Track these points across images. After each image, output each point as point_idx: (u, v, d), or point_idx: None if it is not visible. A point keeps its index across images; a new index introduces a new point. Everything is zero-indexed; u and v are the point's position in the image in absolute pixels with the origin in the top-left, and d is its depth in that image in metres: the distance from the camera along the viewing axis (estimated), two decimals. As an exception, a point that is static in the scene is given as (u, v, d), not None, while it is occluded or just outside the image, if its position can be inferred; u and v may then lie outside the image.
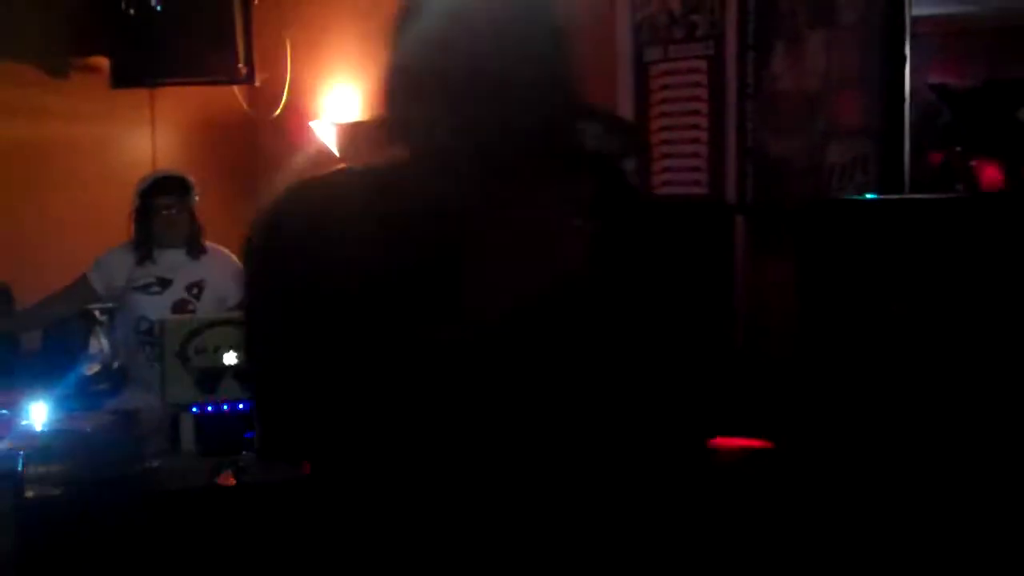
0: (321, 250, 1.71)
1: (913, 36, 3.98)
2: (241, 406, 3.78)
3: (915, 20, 3.99)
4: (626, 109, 4.75)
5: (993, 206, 3.44)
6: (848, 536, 3.28)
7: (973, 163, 3.90)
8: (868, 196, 3.91)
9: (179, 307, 4.47)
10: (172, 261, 4.54)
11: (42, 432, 3.87)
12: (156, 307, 4.42)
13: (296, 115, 6.28)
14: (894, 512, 3.20)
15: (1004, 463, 3.07)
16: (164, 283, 4.51)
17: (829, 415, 3.41)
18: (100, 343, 5.10)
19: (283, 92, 6.27)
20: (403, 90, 1.81)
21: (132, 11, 5.78)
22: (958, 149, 3.98)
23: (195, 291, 4.53)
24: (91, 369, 4.99)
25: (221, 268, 4.62)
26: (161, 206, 4.50)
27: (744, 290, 4.11)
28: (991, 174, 3.92)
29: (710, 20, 4.48)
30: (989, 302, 3.19)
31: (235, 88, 6.28)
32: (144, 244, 4.53)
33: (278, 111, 6.31)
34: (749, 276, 4.16)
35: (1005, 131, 3.89)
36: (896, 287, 3.38)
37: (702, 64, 4.52)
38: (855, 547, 3.26)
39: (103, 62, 5.88)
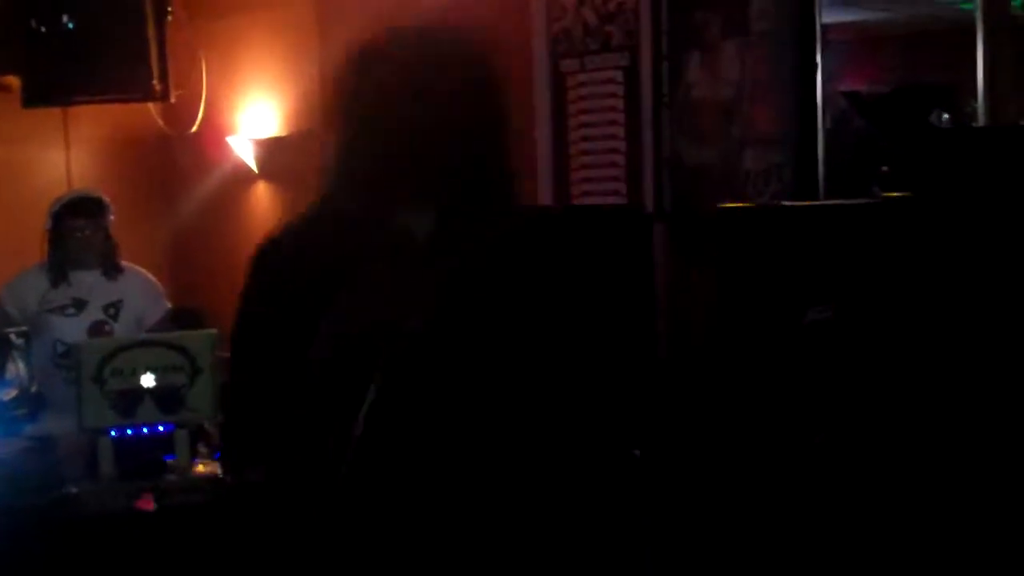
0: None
1: (824, 43, 4.03)
2: (161, 428, 3.73)
3: (826, 27, 4.04)
4: (543, 119, 4.76)
5: (903, 210, 3.48)
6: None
7: (884, 168, 3.94)
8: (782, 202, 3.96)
9: (96, 329, 4.41)
10: (88, 282, 4.48)
11: (-42, 459, 3.80)
12: (72, 329, 4.35)
13: (212, 131, 6.22)
14: (819, 514, 3.22)
15: (927, 462, 3.11)
16: (80, 304, 4.45)
17: (749, 418, 3.44)
18: (17, 368, 5.01)
19: (199, 108, 6.21)
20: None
21: (43, 28, 5.71)
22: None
23: (112, 311, 4.46)
24: (8, 395, 4.90)
25: (138, 287, 4.57)
26: (75, 227, 4.43)
27: (665, 296, 4.13)
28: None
29: (625, 31, 4.51)
30: (906, 304, 3.23)
31: (150, 105, 6.21)
32: (59, 265, 4.46)
33: (194, 127, 6.25)
34: (669, 282, 4.18)
35: (917, 135, 3.94)
36: (813, 291, 3.41)
37: (618, 75, 4.55)
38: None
39: (14, 81, 5.79)
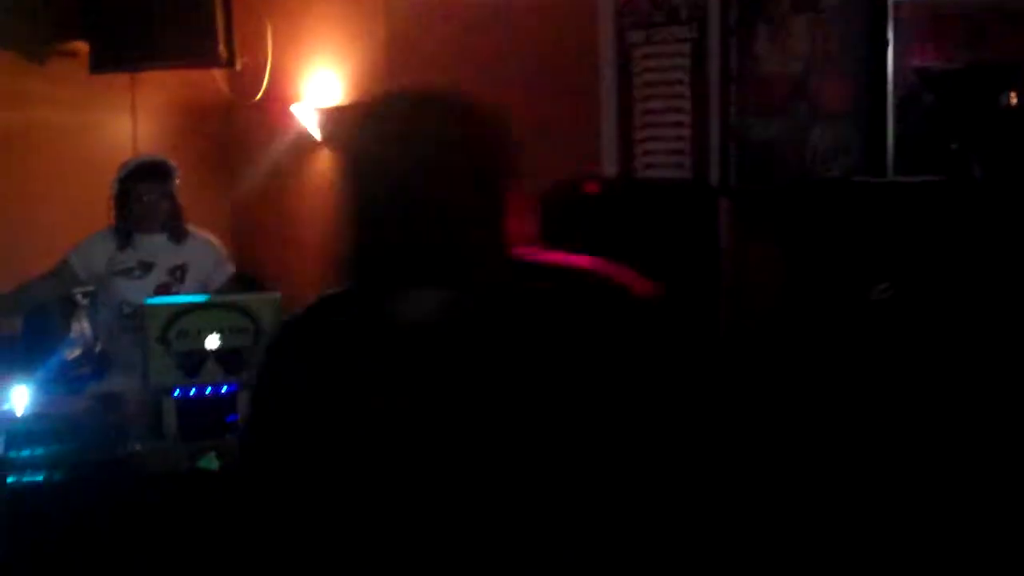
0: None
1: (896, 19, 3.99)
2: (224, 389, 3.77)
3: (898, 3, 4.00)
4: (609, 92, 4.74)
5: (975, 190, 3.45)
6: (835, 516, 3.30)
7: (954, 146, 3.90)
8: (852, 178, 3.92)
9: (162, 291, 4.45)
10: (154, 245, 4.52)
11: (24, 417, 3.85)
12: (138, 291, 4.40)
13: (277, 99, 6.25)
14: (881, 491, 3.21)
15: (989, 444, 3.09)
16: (146, 267, 4.49)
17: (813, 396, 3.42)
18: (82, 327, 5.08)
19: (264, 76, 6.24)
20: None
21: (111, -5, 5.76)
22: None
23: (178, 275, 4.51)
24: (72, 353, 4.97)
25: (203, 252, 4.61)
26: (142, 191, 4.47)
27: (729, 272, 4.11)
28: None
29: (692, 3, 4.48)
30: (971, 284, 3.20)
31: (216, 72, 6.26)
32: (125, 229, 4.50)
33: (259, 95, 6.29)
34: (734, 258, 4.16)
35: (986, 116, 3.90)
36: (879, 268, 3.39)
37: (684, 47, 4.52)
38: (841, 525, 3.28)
39: (83, 47, 5.85)
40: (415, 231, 1.78)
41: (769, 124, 4.24)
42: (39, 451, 3.63)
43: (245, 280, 4.97)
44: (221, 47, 5.88)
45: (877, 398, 3.26)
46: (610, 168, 4.72)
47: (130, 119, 6.32)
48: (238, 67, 6.04)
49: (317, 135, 6.06)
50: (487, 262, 1.81)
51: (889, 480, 3.20)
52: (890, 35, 3.98)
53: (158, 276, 4.48)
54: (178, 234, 4.56)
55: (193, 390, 3.75)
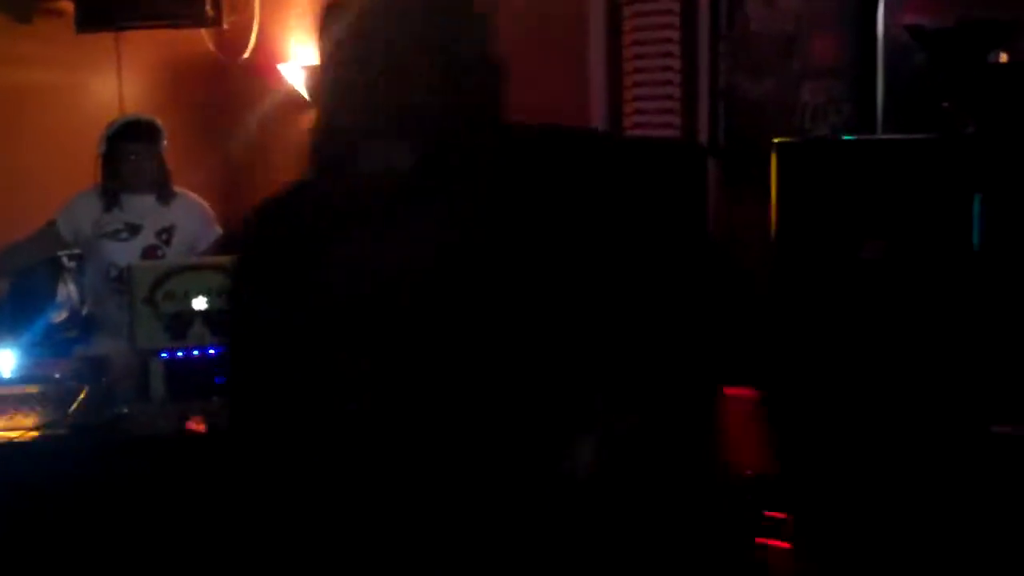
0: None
1: (887, -24, 3.97)
2: (211, 351, 3.75)
3: (889, -40, 3.97)
4: (598, 51, 4.71)
5: (965, 146, 3.43)
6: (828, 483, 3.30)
7: (945, 103, 3.89)
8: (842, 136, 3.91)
9: (149, 253, 4.42)
10: (141, 207, 4.49)
11: (11, 379, 3.84)
12: (125, 253, 4.37)
13: (264, 58, 6.21)
14: (870, 454, 3.21)
15: (981, 402, 3.09)
16: (133, 229, 4.46)
17: (804, 357, 3.41)
18: (68, 290, 5.07)
19: (251, 35, 6.19)
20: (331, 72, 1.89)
21: (97, -47, 5.70)
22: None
23: (165, 236, 4.48)
24: (59, 316, 4.96)
25: (191, 213, 4.58)
26: (129, 151, 4.44)
27: (717, 231, 4.09)
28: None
29: (683, -39, 4.45)
30: (961, 241, 3.19)
31: (203, 31, 6.20)
32: (112, 190, 4.47)
33: (246, 54, 6.24)
34: (723, 217, 4.15)
35: (977, 73, 3.88)
36: (869, 227, 3.38)
37: (675, 6, 4.49)
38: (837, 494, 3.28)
39: (68, 6, 5.80)
40: (380, 91, 1.76)
41: (759, 83, 4.22)
42: (26, 414, 3.62)
43: (234, 240, 4.94)
44: (208, 6, 5.83)
45: (869, 357, 3.25)
46: (600, 126, 4.70)
47: (116, 79, 6.27)
48: (225, 26, 5.99)
49: (305, 94, 6.02)
50: (464, 123, 1.77)
51: (880, 441, 3.20)
52: (881, -9, 3.96)
53: (145, 238, 4.45)
54: (166, 195, 4.53)
55: (180, 352, 3.74)
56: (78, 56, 6.04)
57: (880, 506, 3.22)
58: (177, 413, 3.58)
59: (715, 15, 4.34)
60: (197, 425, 3.50)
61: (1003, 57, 3.88)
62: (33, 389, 3.76)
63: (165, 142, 4.52)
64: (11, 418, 3.57)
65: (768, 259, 3.66)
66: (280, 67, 6.08)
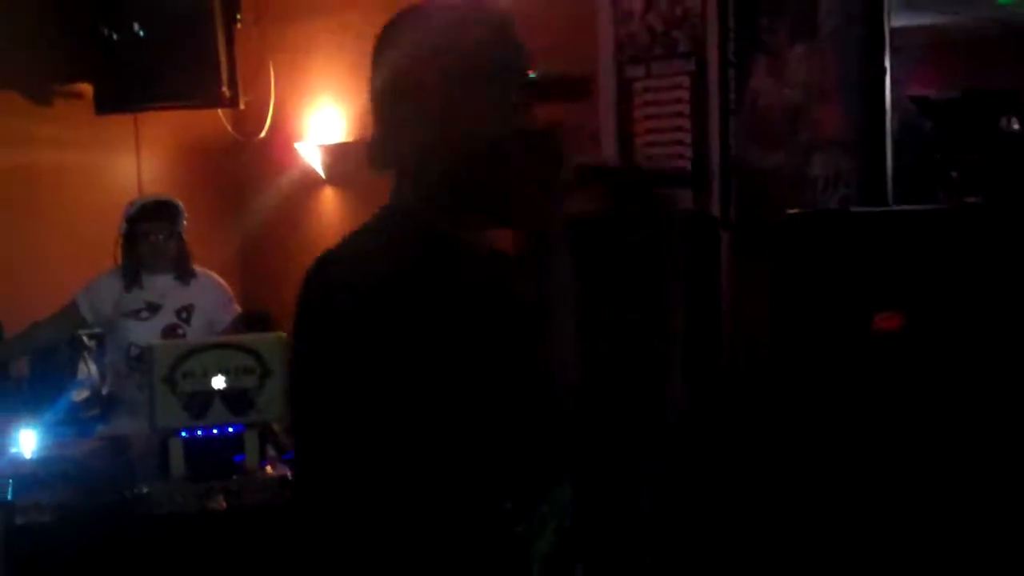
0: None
1: (893, 48, 4.01)
2: (231, 430, 3.78)
3: (894, 31, 4.02)
4: (609, 125, 4.77)
5: (974, 217, 3.46)
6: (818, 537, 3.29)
7: (954, 174, 3.92)
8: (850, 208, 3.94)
9: (169, 332, 4.47)
10: (161, 286, 4.54)
11: (32, 459, 3.87)
12: (146, 332, 4.41)
13: (281, 137, 6.29)
14: (884, 526, 3.21)
15: (984, 469, 3.08)
16: (153, 308, 4.50)
17: (812, 427, 3.42)
18: (88, 369, 5.11)
19: (268, 114, 6.28)
20: (381, 111, 1.86)
21: (115, 36, 5.80)
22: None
23: (185, 315, 4.52)
24: (80, 395, 5.00)
25: (210, 292, 4.63)
26: (149, 232, 4.49)
27: (729, 305, 4.12)
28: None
29: (691, 37, 4.51)
30: (974, 312, 3.20)
31: (220, 111, 6.29)
32: (132, 270, 4.52)
33: (263, 133, 6.32)
34: (734, 288, 4.18)
35: (986, 141, 3.92)
36: (880, 299, 3.40)
37: (684, 80, 4.54)
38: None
39: (87, 88, 5.89)
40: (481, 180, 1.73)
41: (769, 155, 4.26)
42: (47, 494, 3.65)
43: (254, 317, 4.98)
44: (224, 86, 5.91)
45: (879, 430, 3.26)
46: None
47: (135, 159, 6.35)
48: (241, 106, 6.07)
49: (321, 172, 6.09)
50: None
51: (893, 515, 3.19)
52: (887, 63, 4.00)
53: (165, 317, 4.50)
54: (185, 274, 4.58)
55: (200, 431, 3.77)
56: (97, 137, 6.12)
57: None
58: (197, 492, 3.61)
59: (724, 89, 4.39)
60: (217, 503, 3.53)
61: (1012, 124, 3.92)
62: (54, 468, 3.79)
63: (185, 222, 4.58)
64: (33, 498, 3.60)
65: (780, 330, 3.68)
66: (296, 146, 6.16)
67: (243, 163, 6.55)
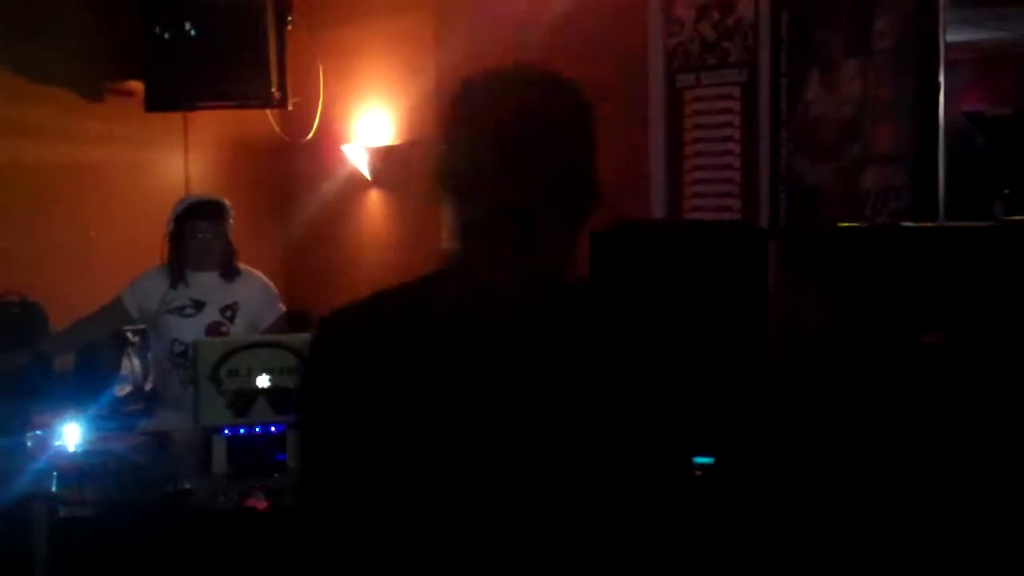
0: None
1: (947, 63, 3.98)
2: (273, 429, 3.79)
3: (949, 47, 3.99)
4: (658, 134, 4.76)
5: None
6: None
7: (1007, 190, 3.89)
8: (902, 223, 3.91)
9: (213, 329, 4.48)
10: (206, 284, 4.55)
11: (75, 453, 3.89)
12: (190, 329, 4.43)
13: (328, 139, 6.31)
14: (930, 541, 3.18)
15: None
16: (198, 305, 4.52)
17: (860, 442, 3.39)
18: (132, 364, 5.14)
19: (316, 116, 6.30)
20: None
21: (166, 35, 5.83)
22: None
23: (229, 314, 4.54)
24: (123, 390, 5.03)
25: (255, 291, 4.64)
26: (197, 229, 4.52)
27: (776, 315, 4.09)
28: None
29: (743, 47, 4.50)
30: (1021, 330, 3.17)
31: (268, 112, 6.31)
32: (178, 267, 4.54)
33: (311, 135, 6.34)
34: (781, 301, 4.15)
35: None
36: (929, 315, 3.37)
37: (735, 91, 4.53)
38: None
39: (138, 86, 5.92)
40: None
41: (819, 167, 4.24)
42: (90, 487, 3.67)
43: (298, 317, 4.99)
44: (274, 87, 5.94)
45: (926, 445, 3.23)
46: (659, 210, 4.73)
47: (182, 157, 6.39)
48: (290, 107, 6.09)
49: (367, 175, 6.10)
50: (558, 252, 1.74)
51: (934, 527, 3.16)
52: (942, 79, 3.98)
53: (210, 314, 4.51)
54: (230, 273, 4.59)
55: (243, 429, 3.78)
56: (146, 135, 6.16)
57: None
58: (238, 489, 3.61)
59: (775, 100, 4.37)
60: (258, 502, 3.53)
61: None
62: (97, 463, 3.81)
63: (231, 221, 4.60)
64: (76, 491, 3.62)
65: (827, 343, 3.65)
66: (343, 148, 6.18)
67: (290, 164, 6.57)
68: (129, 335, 5.16)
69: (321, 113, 6.30)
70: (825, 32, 4.21)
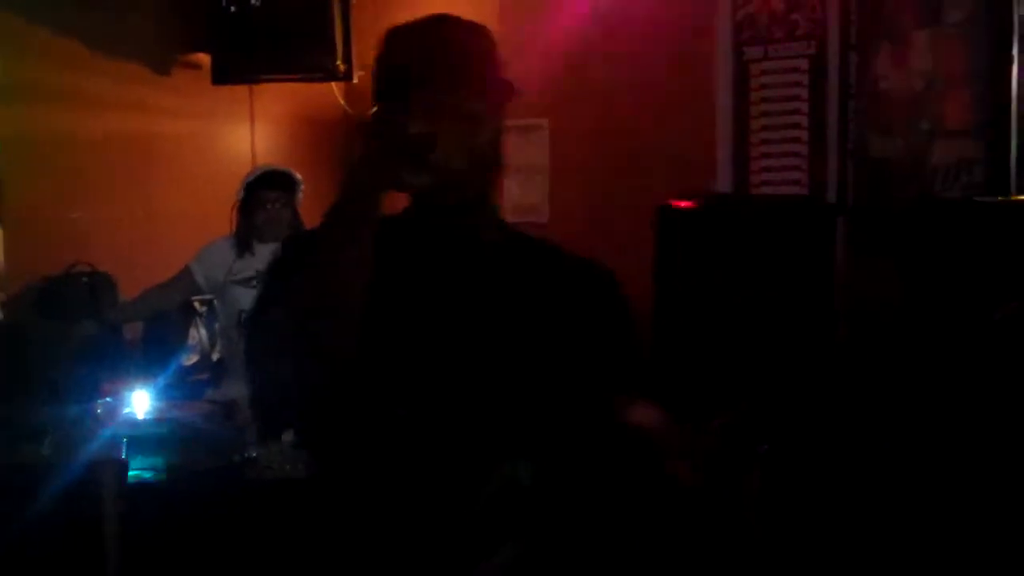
0: None
1: (1020, 35, 3.92)
2: (339, 398, 3.81)
3: (1022, 19, 3.93)
4: (725, 107, 4.72)
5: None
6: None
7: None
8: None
9: (277, 301, 4.50)
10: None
11: (144, 420, 3.94)
12: (255, 300, 4.46)
13: (393, 112, 6.31)
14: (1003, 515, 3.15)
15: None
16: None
17: (931, 417, 3.36)
18: (199, 334, 5.18)
19: (380, 89, 6.30)
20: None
21: (233, 8, 5.85)
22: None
23: (294, 285, 4.56)
24: (190, 360, 5.07)
25: (319, 262, 4.65)
26: (266, 199, 4.55)
27: (844, 290, 4.06)
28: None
29: (811, 19, 4.45)
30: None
31: (333, 85, 6.32)
32: (246, 237, 4.57)
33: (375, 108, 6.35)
34: (849, 277, 4.11)
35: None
36: (1001, 290, 3.33)
37: (803, 63, 4.49)
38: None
39: (205, 59, 5.96)
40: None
41: (889, 141, 4.19)
42: (158, 454, 3.71)
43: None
44: (339, 60, 5.94)
45: (1003, 423, 3.20)
46: (725, 184, 4.70)
47: (248, 130, 6.42)
48: (355, 80, 6.10)
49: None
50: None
51: (1013, 503, 3.14)
52: (1015, 51, 3.91)
53: (275, 285, 4.53)
54: (296, 244, 4.61)
55: (309, 398, 3.79)
56: (213, 107, 6.19)
57: None
58: (304, 458, 3.63)
59: (844, 73, 4.32)
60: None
61: None
62: (165, 431, 3.86)
63: (300, 195, 4.62)
64: (144, 458, 3.66)
65: (897, 318, 3.62)
66: (408, 120, 6.18)
67: (354, 137, 6.59)
68: (196, 305, 5.20)
69: (386, 86, 6.30)
70: (895, 3, 4.16)
